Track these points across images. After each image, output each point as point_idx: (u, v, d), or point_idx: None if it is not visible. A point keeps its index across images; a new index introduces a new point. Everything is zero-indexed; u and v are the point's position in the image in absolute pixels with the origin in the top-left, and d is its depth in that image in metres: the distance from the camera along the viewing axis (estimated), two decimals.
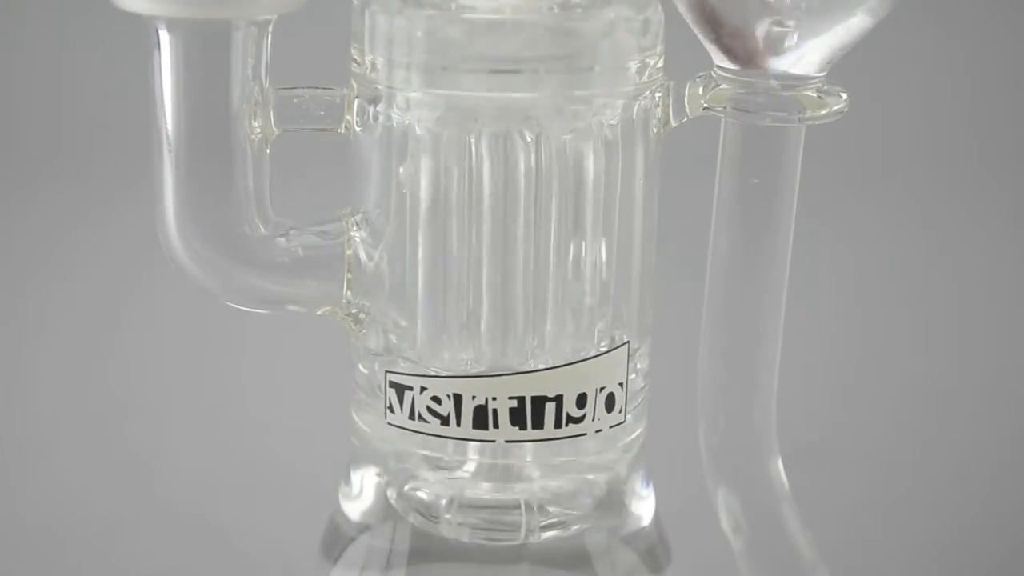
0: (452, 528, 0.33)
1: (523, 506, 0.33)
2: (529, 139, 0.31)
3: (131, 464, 0.49)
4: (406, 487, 0.34)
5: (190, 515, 0.46)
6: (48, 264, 0.68)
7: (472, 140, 0.31)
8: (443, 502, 0.33)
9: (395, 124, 0.31)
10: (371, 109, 0.32)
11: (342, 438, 0.35)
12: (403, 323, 0.32)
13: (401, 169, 0.31)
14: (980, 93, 0.85)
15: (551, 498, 0.33)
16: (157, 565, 0.43)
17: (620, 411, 0.33)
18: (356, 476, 0.35)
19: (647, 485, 0.35)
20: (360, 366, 0.34)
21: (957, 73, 0.85)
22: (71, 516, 0.46)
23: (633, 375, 0.33)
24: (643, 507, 0.35)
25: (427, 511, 0.34)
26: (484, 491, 0.33)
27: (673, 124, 0.33)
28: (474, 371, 0.32)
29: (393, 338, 0.33)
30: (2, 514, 0.46)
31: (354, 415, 0.34)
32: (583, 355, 0.32)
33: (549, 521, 0.33)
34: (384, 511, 0.34)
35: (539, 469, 0.33)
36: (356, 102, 0.32)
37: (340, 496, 0.35)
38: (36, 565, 0.43)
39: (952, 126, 0.83)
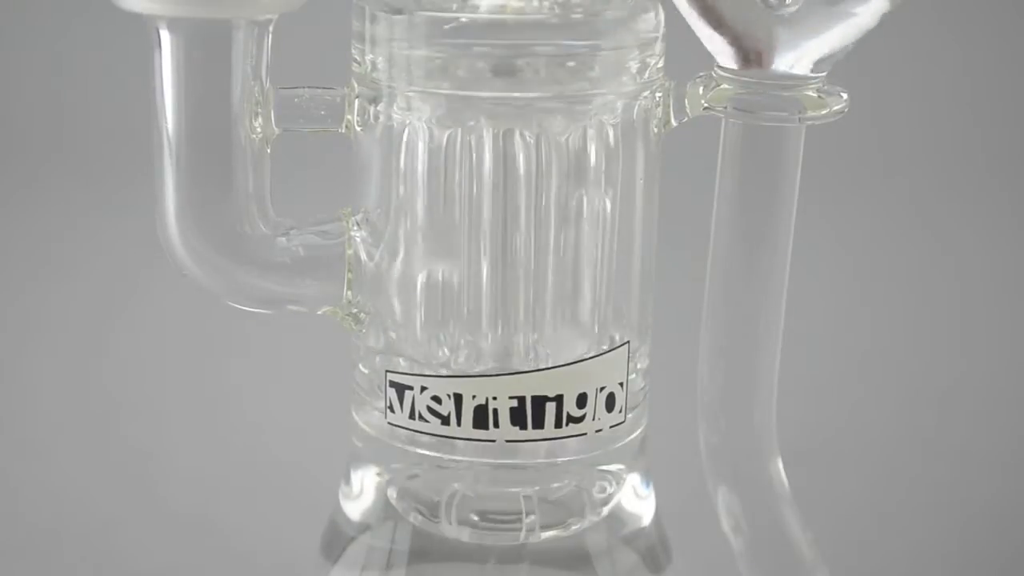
0: (452, 528, 0.33)
1: (523, 506, 0.33)
2: (529, 139, 0.31)
3: (131, 464, 0.49)
4: (406, 487, 0.34)
5: (190, 515, 0.45)
6: (48, 264, 0.68)
7: (472, 140, 0.31)
8: (443, 502, 0.33)
9: (396, 124, 0.31)
10: (372, 109, 0.32)
11: (342, 438, 0.35)
12: (403, 322, 0.32)
13: (402, 167, 0.31)
14: (980, 93, 0.85)
15: (551, 498, 0.33)
16: (157, 565, 0.43)
17: (620, 411, 0.33)
18: (356, 476, 0.35)
19: (647, 485, 0.35)
20: (360, 366, 0.34)
21: (957, 73, 0.85)
22: (71, 516, 0.46)
23: (633, 375, 0.33)
24: (643, 507, 0.35)
25: (427, 511, 0.34)
26: (484, 491, 0.33)
27: (673, 124, 0.33)
28: (474, 371, 0.32)
29: (393, 337, 0.33)
30: (2, 514, 0.46)
31: (354, 415, 0.34)
32: (583, 355, 0.32)
33: (549, 521, 0.33)
34: (384, 511, 0.34)
35: (539, 469, 0.33)
36: (357, 102, 0.32)
37: (340, 496, 0.35)
38: (36, 565, 0.43)
39: (952, 126, 0.83)
